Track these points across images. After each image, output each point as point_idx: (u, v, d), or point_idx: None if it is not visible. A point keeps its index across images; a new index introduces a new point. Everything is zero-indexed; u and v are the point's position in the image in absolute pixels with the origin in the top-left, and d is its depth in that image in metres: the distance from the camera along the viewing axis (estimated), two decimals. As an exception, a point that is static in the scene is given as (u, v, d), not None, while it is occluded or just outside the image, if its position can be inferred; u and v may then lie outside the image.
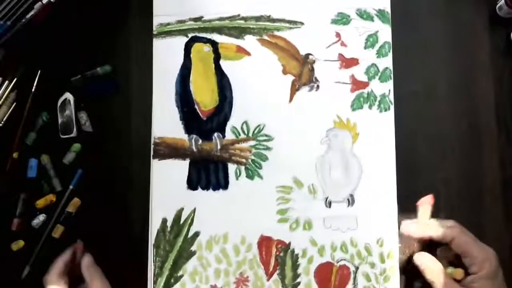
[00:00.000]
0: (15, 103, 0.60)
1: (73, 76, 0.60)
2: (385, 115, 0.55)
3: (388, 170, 0.55)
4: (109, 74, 0.60)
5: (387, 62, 0.56)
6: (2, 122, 0.59)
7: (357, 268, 0.55)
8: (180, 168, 0.58)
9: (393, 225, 0.55)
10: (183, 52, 0.59)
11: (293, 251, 0.56)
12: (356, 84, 0.56)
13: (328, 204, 0.56)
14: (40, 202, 0.59)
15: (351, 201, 0.56)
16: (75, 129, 0.59)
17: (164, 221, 0.58)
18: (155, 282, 0.58)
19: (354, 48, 0.56)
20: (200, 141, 0.58)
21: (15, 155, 0.59)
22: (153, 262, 0.58)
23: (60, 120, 0.60)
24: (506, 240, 0.55)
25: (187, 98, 0.58)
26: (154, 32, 0.59)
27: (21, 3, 0.55)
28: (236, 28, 0.58)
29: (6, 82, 0.59)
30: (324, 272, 0.56)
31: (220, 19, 0.58)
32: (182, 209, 0.58)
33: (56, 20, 0.59)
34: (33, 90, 0.60)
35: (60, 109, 0.60)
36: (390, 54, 0.56)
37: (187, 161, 0.58)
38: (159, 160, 0.59)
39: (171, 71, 0.59)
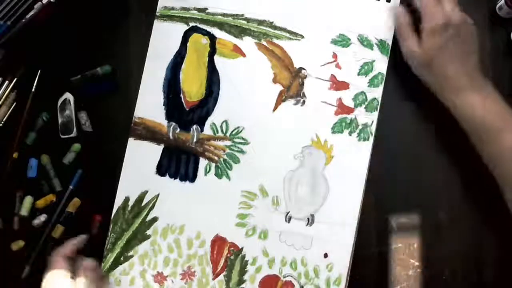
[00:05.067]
0: (15, 103, 0.61)
1: (73, 76, 0.60)
2: (363, 145, 0.55)
3: (353, 200, 0.55)
4: (109, 74, 0.60)
5: (377, 93, 0.55)
6: (2, 122, 0.60)
7: (302, 287, 0.55)
8: (153, 151, 0.59)
9: (346, 253, 0.55)
10: (180, 39, 0.59)
11: (244, 256, 0.56)
12: (342, 108, 0.56)
13: (288, 219, 0.56)
14: (40, 202, 0.60)
15: (311, 220, 0.56)
16: (75, 129, 0.59)
17: (127, 199, 0.59)
18: (105, 257, 0.59)
19: (348, 72, 0.56)
20: (178, 130, 0.59)
21: (15, 155, 0.60)
22: (108, 237, 0.59)
23: (60, 120, 0.60)
24: (507, 240, 0.54)
25: (174, 85, 0.59)
26: (157, 14, 0.59)
27: (21, 3, 0.55)
28: (237, 27, 0.58)
29: (6, 82, 0.60)
30: (269, 283, 0.56)
31: (224, 15, 0.58)
32: (146, 192, 0.59)
33: (56, 20, 0.58)
34: (33, 90, 0.60)
35: (60, 109, 0.60)
36: (382, 86, 0.55)
37: (161, 147, 0.59)
38: (134, 139, 0.59)
39: (165, 56, 0.59)
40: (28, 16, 0.55)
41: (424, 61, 0.51)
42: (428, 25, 0.50)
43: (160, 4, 0.59)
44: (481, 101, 0.49)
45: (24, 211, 0.59)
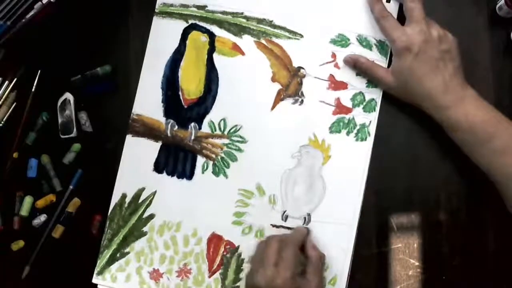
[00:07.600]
0: (15, 103, 0.60)
1: (73, 76, 0.60)
2: (360, 145, 0.55)
3: (350, 200, 0.55)
4: (109, 74, 0.60)
5: (375, 93, 0.55)
6: (2, 122, 0.60)
7: (297, 286, 0.55)
8: (151, 149, 0.59)
9: (342, 253, 0.55)
10: (179, 36, 0.59)
11: (240, 254, 0.57)
12: (340, 108, 0.56)
13: (285, 218, 0.56)
14: (40, 202, 0.60)
15: (307, 220, 0.56)
16: (75, 129, 0.59)
17: (124, 196, 0.59)
18: (101, 253, 0.59)
19: (346, 72, 0.56)
20: (176, 127, 0.59)
21: (15, 155, 0.60)
22: (104, 233, 0.59)
23: (60, 120, 0.60)
24: (507, 240, 0.54)
25: (173, 83, 0.59)
26: (156, 10, 0.59)
27: (21, 3, 0.55)
28: (237, 25, 0.58)
29: (6, 82, 0.60)
30: (264, 282, 0.56)
31: (223, 12, 0.58)
32: (143, 188, 0.59)
33: (56, 20, 0.58)
34: (33, 90, 0.60)
35: (60, 109, 0.59)
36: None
37: (159, 144, 0.59)
38: (132, 136, 0.59)
39: (164, 52, 0.59)
40: (28, 16, 0.55)
41: (399, 88, 0.51)
42: (392, 50, 0.51)
43: (159, 1, 0.59)
44: (465, 113, 0.48)
45: (24, 211, 0.59)
